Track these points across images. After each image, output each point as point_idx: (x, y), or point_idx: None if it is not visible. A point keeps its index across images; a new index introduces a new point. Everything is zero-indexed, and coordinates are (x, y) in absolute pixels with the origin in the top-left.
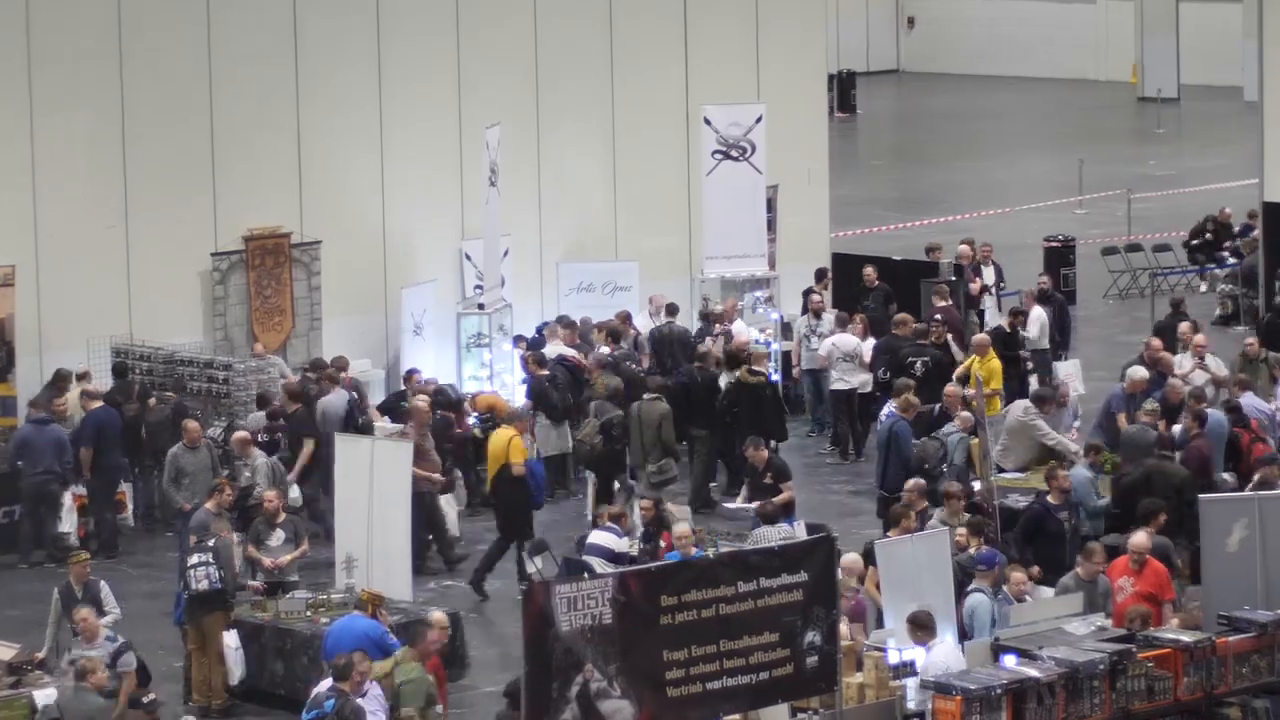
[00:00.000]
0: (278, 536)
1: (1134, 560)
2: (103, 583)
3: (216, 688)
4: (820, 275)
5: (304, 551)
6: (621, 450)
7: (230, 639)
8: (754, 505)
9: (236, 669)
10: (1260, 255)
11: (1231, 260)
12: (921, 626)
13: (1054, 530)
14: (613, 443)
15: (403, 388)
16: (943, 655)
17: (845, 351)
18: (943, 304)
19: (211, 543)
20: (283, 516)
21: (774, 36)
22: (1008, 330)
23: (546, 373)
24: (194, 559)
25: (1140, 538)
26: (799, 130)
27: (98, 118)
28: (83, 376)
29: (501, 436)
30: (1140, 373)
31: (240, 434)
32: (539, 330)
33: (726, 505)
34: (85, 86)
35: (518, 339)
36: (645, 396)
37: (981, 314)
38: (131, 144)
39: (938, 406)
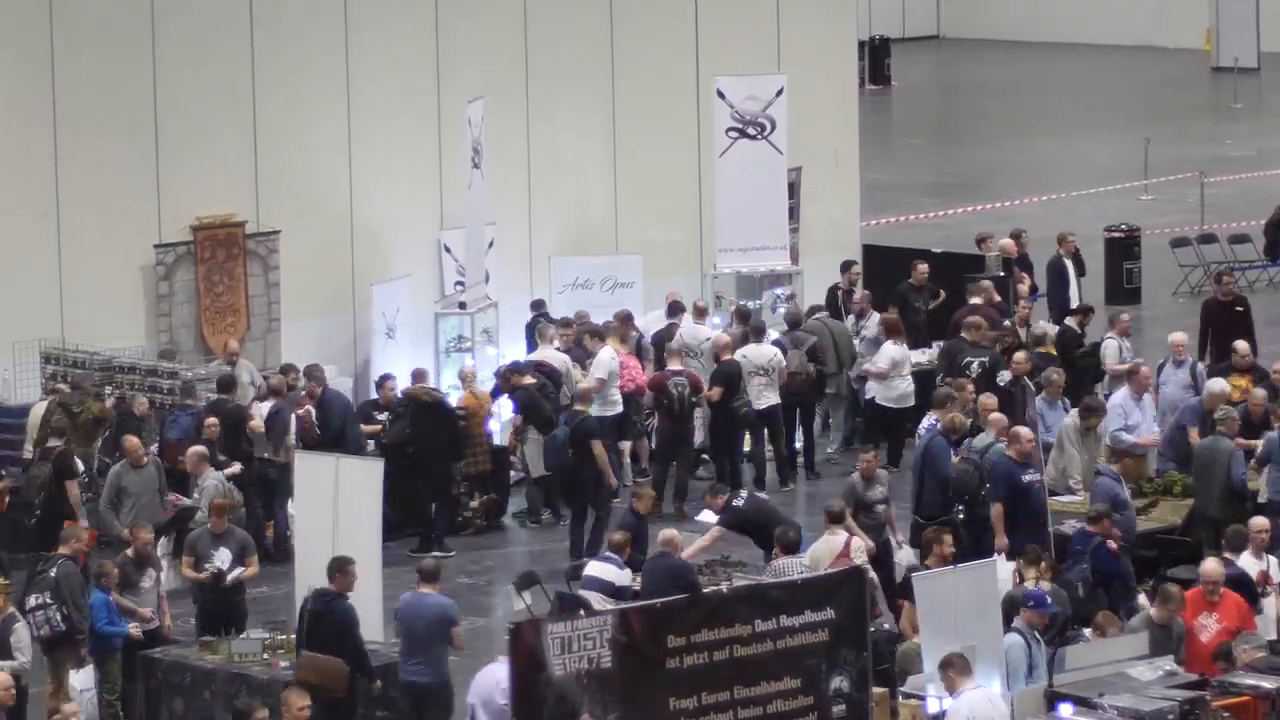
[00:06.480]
0: (223, 555)
1: (1209, 591)
2: (20, 624)
3: None
4: (846, 268)
5: (242, 574)
6: (822, 375)
7: (80, 680)
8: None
9: (81, 714)
10: None
11: None
12: (951, 667)
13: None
14: (820, 365)
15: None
16: (970, 705)
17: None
18: (974, 302)
19: (53, 572)
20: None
21: None
22: (1077, 330)
23: (533, 381)
24: (31, 600)
25: (1212, 565)
26: (825, 105)
27: (25, 91)
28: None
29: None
30: (1221, 386)
31: (196, 449)
32: (529, 332)
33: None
34: (10, 51)
35: None
36: (821, 318)
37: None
38: (64, 119)
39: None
